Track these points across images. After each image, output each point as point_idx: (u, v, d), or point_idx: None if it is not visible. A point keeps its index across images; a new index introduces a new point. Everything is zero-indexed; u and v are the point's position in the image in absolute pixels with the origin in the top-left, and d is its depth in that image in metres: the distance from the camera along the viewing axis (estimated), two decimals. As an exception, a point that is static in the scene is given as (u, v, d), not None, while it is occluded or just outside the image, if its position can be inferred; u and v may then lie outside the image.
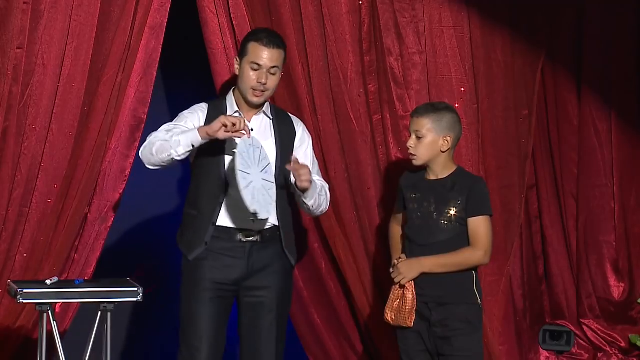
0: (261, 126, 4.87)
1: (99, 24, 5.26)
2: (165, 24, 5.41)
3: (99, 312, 4.70)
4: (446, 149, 4.89)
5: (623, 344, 6.24)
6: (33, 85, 5.21)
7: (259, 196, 4.63)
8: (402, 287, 4.85)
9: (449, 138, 4.90)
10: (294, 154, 4.86)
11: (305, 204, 4.82)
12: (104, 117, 5.30)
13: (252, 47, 4.78)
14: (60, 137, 5.26)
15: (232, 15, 5.49)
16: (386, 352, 5.66)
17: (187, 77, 5.87)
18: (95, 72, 5.28)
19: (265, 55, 4.76)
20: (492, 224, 4.96)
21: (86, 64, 5.26)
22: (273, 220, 4.81)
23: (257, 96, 4.79)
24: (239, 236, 4.76)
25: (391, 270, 4.92)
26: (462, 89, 5.79)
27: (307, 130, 5.02)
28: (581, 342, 6.29)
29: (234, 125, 4.56)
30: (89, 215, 5.39)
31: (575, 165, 6.25)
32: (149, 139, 4.71)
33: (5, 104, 5.17)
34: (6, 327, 5.22)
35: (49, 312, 4.65)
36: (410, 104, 5.67)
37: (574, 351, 6.29)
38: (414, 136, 4.88)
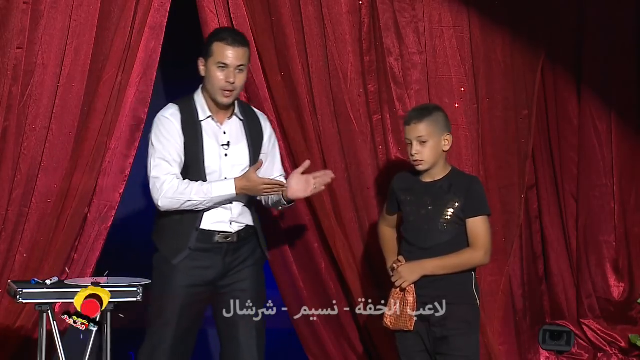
0: (234, 129, 4.90)
1: (99, 24, 5.26)
2: (165, 24, 5.41)
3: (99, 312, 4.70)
4: (448, 147, 4.90)
5: (623, 344, 6.24)
6: (33, 85, 5.21)
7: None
8: (403, 290, 4.84)
9: (448, 136, 4.91)
10: (263, 153, 4.93)
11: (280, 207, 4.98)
12: (104, 117, 5.30)
13: (217, 47, 4.80)
14: (60, 137, 5.26)
15: (232, 15, 5.49)
16: (386, 352, 5.65)
17: (187, 77, 5.87)
18: (95, 72, 5.29)
19: (231, 55, 4.79)
20: (492, 224, 4.95)
21: (86, 64, 5.26)
22: (248, 221, 4.89)
23: (226, 96, 4.82)
24: (217, 238, 4.82)
25: (391, 273, 4.91)
26: (462, 89, 5.79)
27: (273, 129, 5.08)
28: (581, 342, 6.29)
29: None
30: (89, 215, 5.39)
31: (575, 165, 6.25)
32: (172, 196, 4.75)
33: (5, 104, 5.17)
34: (6, 327, 5.22)
35: (49, 312, 4.65)
36: (410, 104, 5.67)
37: (574, 351, 6.29)
38: (415, 142, 4.87)
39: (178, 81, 5.92)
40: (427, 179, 4.93)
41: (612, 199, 6.22)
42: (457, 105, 5.74)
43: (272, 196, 4.91)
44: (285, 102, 5.52)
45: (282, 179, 4.95)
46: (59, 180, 5.27)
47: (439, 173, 4.92)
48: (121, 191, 5.44)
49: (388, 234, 5.12)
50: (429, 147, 4.86)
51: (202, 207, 4.77)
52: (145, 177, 5.32)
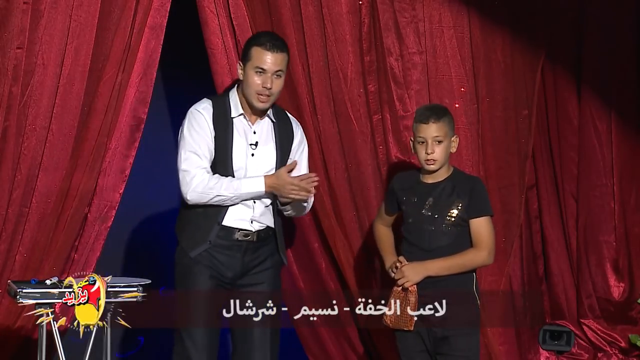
0: (264, 130, 4.90)
1: (99, 24, 5.26)
2: (165, 24, 5.41)
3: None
4: (455, 149, 4.90)
5: (623, 344, 6.24)
6: (33, 85, 5.20)
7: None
8: (405, 289, 4.84)
9: (456, 138, 4.91)
10: (290, 158, 4.92)
11: (286, 211, 4.96)
12: (104, 117, 5.30)
13: (256, 51, 4.79)
14: (60, 137, 5.26)
15: (232, 15, 5.49)
16: (386, 352, 5.66)
17: (187, 77, 5.87)
18: (95, 72, 5.28)
19: (269, 60, 4.77)
20: (493, 224, 4.95)
21: (86, 64, 5.26)
22: (268, 222, 4.88)
23: (262, 101, 4.81)
24: (237, 235, 4.81)
25: (392, 273, 4.90)
26: (462, 89, 5.79)
27: (304, 135, 5.06)
28: (581, 342, 6.29)
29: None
30: (89, 215, 5.39)
31: (575, 165, 6.25)
32: (202, 190, 4.75)
33: (5, 104, 5.17)
34: (6, 327, 5.22)
35: (49, 312, 4.64)
36: (410, 104, 5.67)
37: (574, 351, 6.29)
38: (431, 142, 4.84)
39: (178, 81, 5.92)
40: (429, 179, 4.91)
41: (612, 199, 6.22)
42: (457, 105, 5.74)
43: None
44: (285, 102, 5.52)
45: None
46: (59, 180, 5.27)
47: (442, 174, 4.90)
48: (121, 191, 5.43)
49: (385, 234, 5.11)
50: (442, 148, 4.84)
51: (229, 203, 4.78)
52: (146, 177, 5.32)
